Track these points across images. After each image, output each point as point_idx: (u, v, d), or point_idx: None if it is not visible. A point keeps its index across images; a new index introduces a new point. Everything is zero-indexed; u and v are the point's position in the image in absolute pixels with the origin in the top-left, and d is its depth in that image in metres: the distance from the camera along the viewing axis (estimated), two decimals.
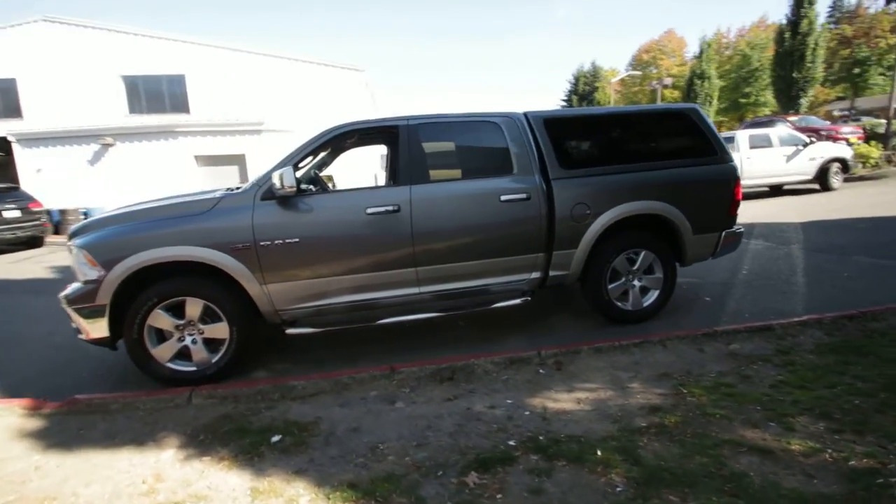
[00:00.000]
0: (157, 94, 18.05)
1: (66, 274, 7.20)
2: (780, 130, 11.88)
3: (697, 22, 67.60)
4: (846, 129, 15.60)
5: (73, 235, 3.22)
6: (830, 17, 31.57)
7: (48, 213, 12.89)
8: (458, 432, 2.25)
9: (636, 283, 3.75)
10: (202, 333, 3.08)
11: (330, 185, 4.31)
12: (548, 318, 4.11)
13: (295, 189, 2.97)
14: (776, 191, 11.80)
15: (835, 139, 13.75)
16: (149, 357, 3.01)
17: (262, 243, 3.03)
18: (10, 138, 14.87)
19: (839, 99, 36.05)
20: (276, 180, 2.96)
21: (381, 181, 20.00)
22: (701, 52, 28.59)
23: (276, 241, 3.05)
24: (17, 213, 10.89)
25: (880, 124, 17.18)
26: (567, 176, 3.49)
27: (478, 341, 3.60)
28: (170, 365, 3.05)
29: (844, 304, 3.79)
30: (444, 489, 1.81)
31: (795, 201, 10.45)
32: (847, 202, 9.51)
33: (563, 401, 2.49)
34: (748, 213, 8.32)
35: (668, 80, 29.43)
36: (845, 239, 6.37)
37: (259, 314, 3.20)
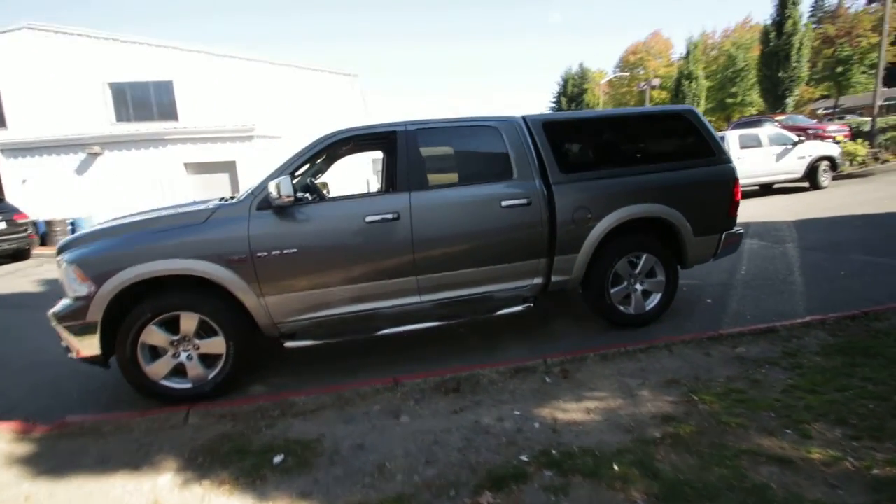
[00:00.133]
0: (144, 102, 17.81)
1: (54, 287, 7.04)
2: (770, 130, 12.00)
3: (683, 23, 68.42)
4: (833, 128, 15.84)
5: (61, 250, 3.11)
6: (812, 16, 32.14)
7: (34, 224, 12.62)
8: (468, 447, 2.18)
9: (638, 286, 3.72)
10: (198, 349, 2.98)
11: (325, 192, 4.22)
12: (548, 323, 4.06)
13: (292, 198, 2.89)
14: (766, 190, 11.90)
15: (822, 138, 13.94)
16: (143, 375, 2.91)
17: (258, 254, 2.95)
18: None
19: (823, 98, 36.63)
20: (272, 189, 2.89)
21: (374, 186, 20.00)
22: (688, 53, 28.95)
23: (274, 252, 2.97)
24: (2, 225, 10.64)
25: (865, 122, 17.44)
26: (567, 180, 3.45)
27: (480, 350, 3.54)
28: (165, 383, 2.95)
29: (844, 304, 3.79)
30: None
31: (786, 200, 10.54)
32: (837, 200, 9.60)
33: (572, 411, 2.44)
34: (741, 212, 8.32)
35: (657, 81, 29.74)
36: (839, 237, 6.41)
37: (256, 327, 3.12)
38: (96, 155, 14.47)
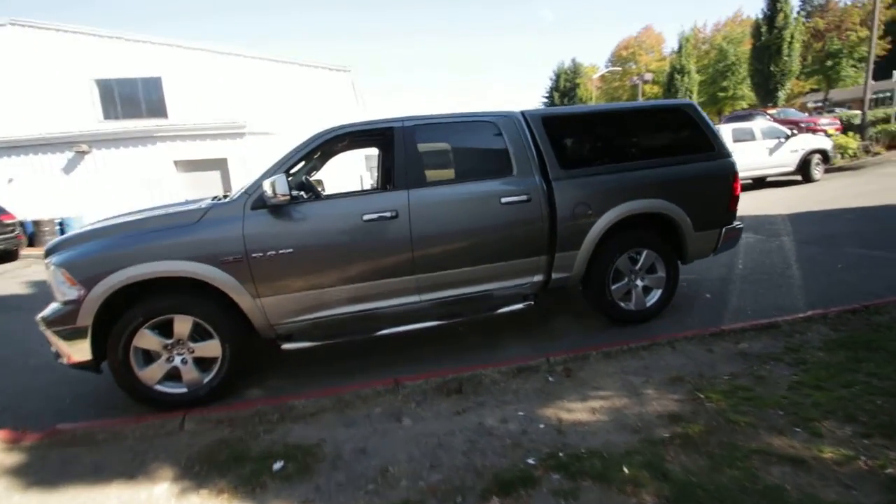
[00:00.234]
0: (132, 98, 17.50)
1: (43, 289, 6.89)
2: (762, 123, 12.04)
3: (674, 18, 68.63)
4: (824, 121, 15.94)
5: (49, 252, 3.02)
6: (801, 10, 32.31)
7: (22, 224, 12.39)
8: (472, 450, 2.14)
9: (639, 282, 3.69)
10: (192, 352, 2.91)
11: (320, 189, 4.15)
12: (548, 321, 4.02)
13: (288, 197, 2.82)
14: (759, 183, 11.96)
15: (814, 131, 14.02)
16: (136, 380, 2.83)
17: (254, 255, 2.88)
18: None
19: (812, 91, 36.90)
20: (267, 188, 2.81)
21: (367, 183, 19.83)
22: (680, 48, 28.99)
23: (269, 253, 2.90)
24: None
25: (856, 115, 17.59)
26: (567, 176, 3.40)
27: (480, 349, 3.50)
28: (159, 387, 2.88)
29: (843, 297, 3.79)
30: None
31: (780, 193, 10.59)
32: (830, 193, 9.66)
33: (577, 410, 2.40)
34: None
35: (649, 76, 29.84)
36: (834, 230, 6.44)
37: (252, 329, 3.05)
38: (84, 153, 14.21)
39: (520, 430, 2.26)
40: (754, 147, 11.22)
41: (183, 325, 2.85)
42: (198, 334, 2.91)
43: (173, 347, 2.89)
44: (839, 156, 13.46)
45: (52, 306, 2.85)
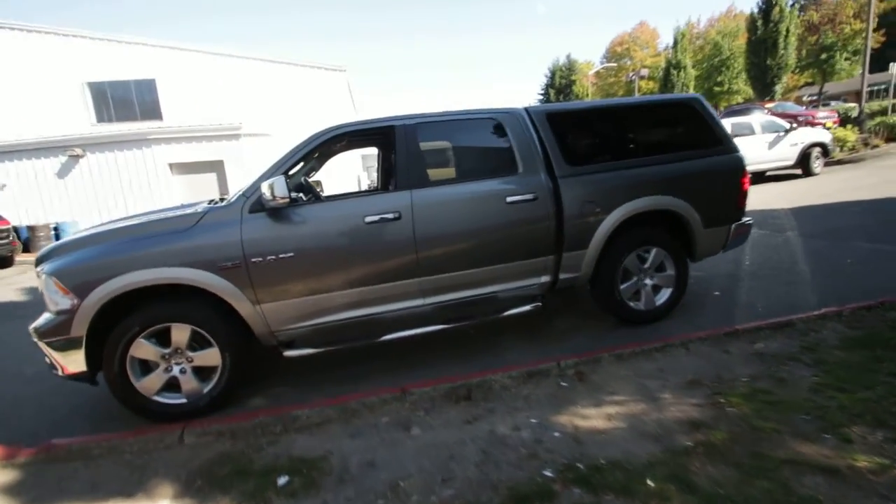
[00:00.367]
0: (126, 101, 17.35)
1: (38, 296, 6.77)
2: (761, 118, 11.97)
3: (668, 13, 68.57)
4: (822, 114, 15.92)
5: (40, 260, 2.91)
6: (795, 3, 32.32)
7: (16, 230, 12.23)
8: (486, 461, 2.05)
9: (648, 281, 3.61)
10: (191, 362, 2.81)
11: (319, 191, 4.05)
12: (553, 321, 3.93)
13: (288, 200, 2.72)
14: (759, 177, 11.90)
15: (812, 124, 13.98)
16: (133, 391, 2.73)
17: (253, 260, 2.78)
18: None
19: (807, 85, 36.96)
20: (265, 191, 2.71)
21: (364, 183, 19.73)
22: (675, 43, 28.94)
23: (269, 257, 2.80)
24: None
25: (853, 108, 17.56)
26: (574, 173, 3.31)
27: (487, 353, 3.41)
28: (157, 398, 2.78)
29: (855, 293, 3.72)
30: None
31: (780, 187, 10.53)
32: (831, 187, 9.60)
33: (592, 417, 2.32)
34: None
35: (645, 72, 29.75)
36: (838, 224, 6.37)
37: (252, 337, 2.95)
38: (78, 157, 14.04)
39: (534, 439, 2.18)
40: (753, 141, 11.15)
41: (181, 333, 2.75)
42: (196, 343, 2.81)
43: (171, 357, 2.79)
44: (838, 149, 13.41)
45: (45, 316, 2.75)
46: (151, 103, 17.30)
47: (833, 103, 28.15)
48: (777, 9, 21.63)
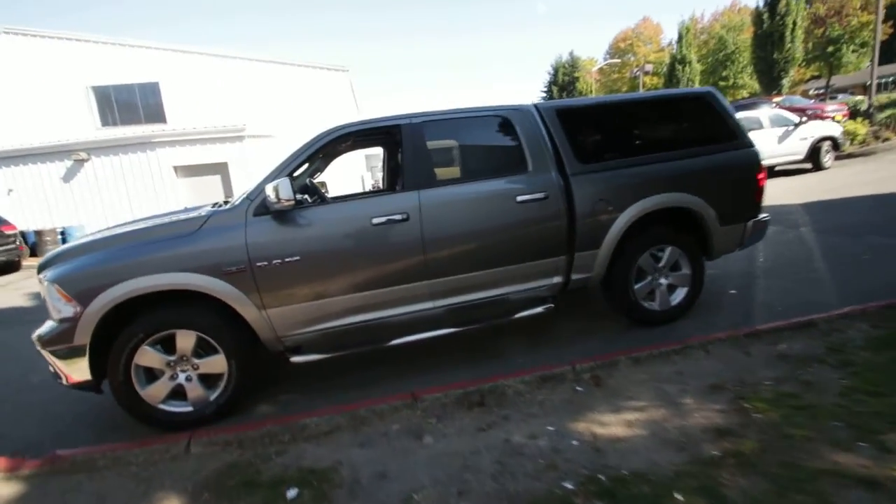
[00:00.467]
0: (130, 104, 17.38)
1: (45, 302, 6.74)
2: (770, 112, 11.80)
3: (671, 8, 68.03)
4: (831, 107, 15.70)
5: (43, 267, 2.86)
6: None
7: (23, 235, 12.27)
8: (502, 472, 1.97)
9: (663, 281, 3.51)
10: (197, 369, 2.75)
11: (325, 192, 3.98)
12: (565, 324, 3.83)
13: (293, 202, 2.65)
14: (768, 172, 11.67)
15: (821, 118, 13.77)
16: (138, 400, 2.67)
17: (258, 264, 2.71)
18: None
19: (814, 78, 36.52)
20: (270, 193, 2.64)
21: (368, 183, 19.64)
22: (680, 38, 28.66)
23: (275, 261, 2.73)
24: None
25: (862, 101, 17.30)
26: (585, 171, 3.22)
27: (498, 356, 3.32)
28: (163, 407, 2.72)
29: (876, 290, 3.61)
30: None
31: (791, 182, 10.37)
32: (842, 181, 9.44)
33: (611, 424, 2.23)
34: None
35: (649, 67, 29.50)
36: (852, 219, 6.24)
37: (259, 342, 2.89)
38: (83, 161, 14.07)
39: (552, 448, 2.09)
40: (762, 136, 10.97)
41: (186, 340, 2.69)
42: (202, 349, 2.75)
43: (177, 364, 2.73)
44: (848, 142, 13.20)
45: (48, 324, 2.69)
46: (155, 106, 17.32)
47: (840, 96, 27.80)
48: (784, 1, 21.35)
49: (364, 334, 3.01)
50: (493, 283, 3.12)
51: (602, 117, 3.49)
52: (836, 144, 11.54)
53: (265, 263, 2.72)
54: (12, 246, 10.94)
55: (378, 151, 4.70)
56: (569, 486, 1.81)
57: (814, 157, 11.27)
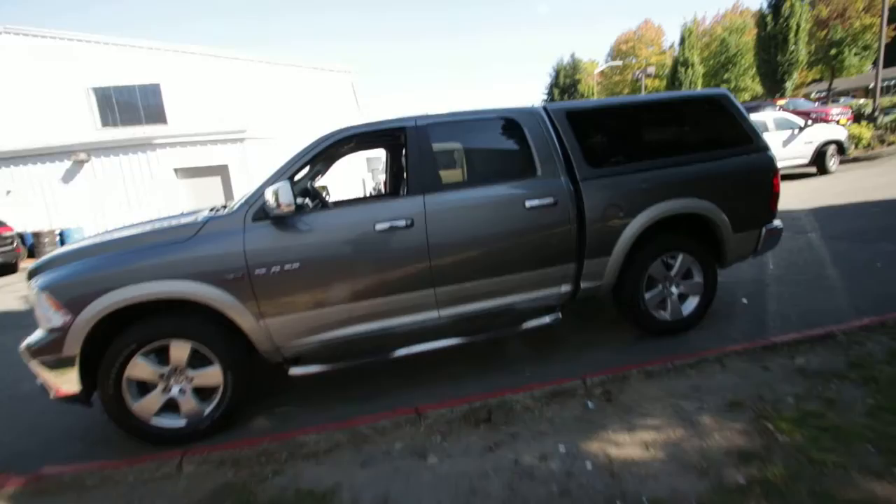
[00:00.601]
0: (130, 106, 17.31)
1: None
2: (775, 114, 11.69)
3: (673, 11, 68.06)
4: (836, 111, 15.57)
5: (32, 274, 2.76)
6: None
7: (21, 237, 12.18)
8: (513, 499, 1.85)
9: (674, 289, 3.40)
10: (191, 381, 2.64)
11: (326, 196, 3.87)
12: (573, 334, 3.71)
13: (293, 207, 2.54)
14: None
15: (825, 121, 13.66)
16: (129, 414, 2.56)
17: (257, 272, 2.60)
18: None
19: (815, 81, 36.42)
20: (269, 198, 2.53)
21: (369, 186, 19.53)
22: (682, 40, 28.57)
23: (274, 269, 2.62)
24: None
25: (867, 104, 17.20)
26: (596, 175, 3.11)
27: (504, 368, 3.20)
28: (155, 421, 2.61)
29: (891, 299, 3.50)
30: None
31: (796, 186, 10.25)
32: (848, 185, 9.32)
33: (626, 445, 2.11)
34: None
35: (651, 69, 29.41)
36: (861, 224, 6.12)
37: (256, 353, 2.77)
38: (83, 162, 13.98)
39: (564, 471, 1.98)
40: (767, 139, 10.79)
41: (180, 351, 2.58)
42: (197, 360, 2.64)
43: (170, 376, 2.62)
44: (853, 146, 13.09)
45: (37, 333, 2.58)
46: (156, 107, 17.25)
47: (842, 99, 27.69)
48: (787, 4, 21.26)
49: (366, 345, 2.90)
50: (499, 291, 3.01)
51: (613, 119, 3.38)
52: (841, 148, 11.42)
53: (264, 271, 2.61)
54: (9, 248, 10.86)
55: (379, 153, 4.60)
56: None
57: (819, 161, 11.16)
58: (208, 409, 2.65)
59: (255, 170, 14.05)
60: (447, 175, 3.06)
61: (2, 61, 15.95)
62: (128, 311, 2.53)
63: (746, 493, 1.69)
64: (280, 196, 2.51)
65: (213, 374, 2.63)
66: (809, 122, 11.45)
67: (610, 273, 3.20)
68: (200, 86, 17.03)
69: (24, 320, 6.07)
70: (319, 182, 4.39)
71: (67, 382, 2.53)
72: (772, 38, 21.80)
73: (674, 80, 28.38)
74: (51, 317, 2.49)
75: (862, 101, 19.93)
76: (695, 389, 2.53)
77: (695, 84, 27.84)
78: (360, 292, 2.77)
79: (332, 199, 4.19)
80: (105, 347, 2.52)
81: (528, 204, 2.96)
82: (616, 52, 44.99)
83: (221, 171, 14.59)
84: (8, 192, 13.90)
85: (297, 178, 2.99)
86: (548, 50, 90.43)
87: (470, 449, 2.23)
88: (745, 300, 4.02)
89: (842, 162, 11.93)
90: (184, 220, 2.89)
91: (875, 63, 16.89)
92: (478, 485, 1.96)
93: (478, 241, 2.90)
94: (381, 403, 2.83)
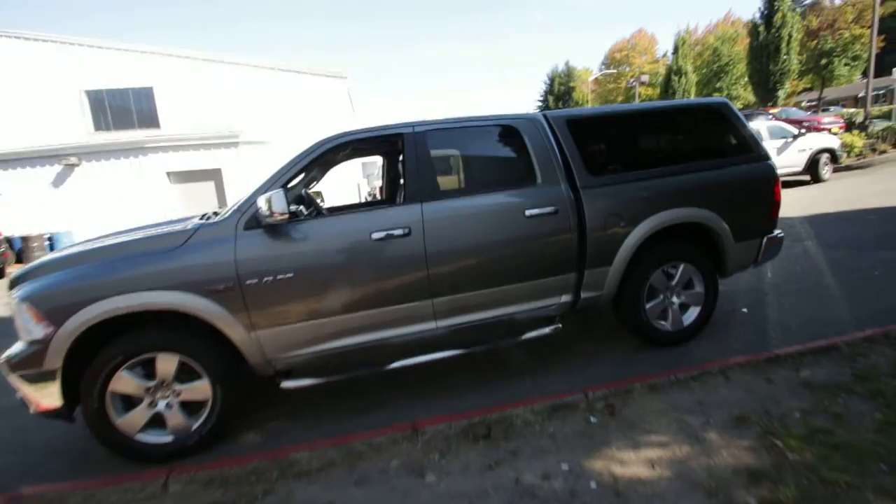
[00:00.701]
0: (123, 109, 17.16)
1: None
2: (769, 123, 11.78)
3: (666, 20, 68.94)
4: (827, 119, 15.74)
5: (14, 283, 2.65)
6: (793, 9, 32.32)
7: (9, 241, 11.98)
8: None
9: (675, 299, 3.35)
10: (178, 395, 2.54)
11: (321, 202, 3.80)
12: (572, 344, 3.63)
13: (287, 216, 2.46)
14: None
15: (817, 130, 13.79)
16: (113, 429, 2.46)
17: (248, 282, 2.51)
18: None
19: (805, 90, 36.90)
20: (262, 206, 2.45)
21: (364, 191, 19.40)
22: (676, 49, 28.83)
23: (266, 279, 2.53)
24: None
25: (859, 113, 17.41)
26: (597, 184, 3.06)
27: (503, 380, 3.12)
28: (140, 437, 2.50)
29: (892, 309, 3.48)
30: None
31: (790, 194, 10.28)
32: (842, 194, 9.38)
33: (631, 463, 2.04)
34: None
35: (645, 78, 29.65)
36: (857, 232, 6.13)
37: (246, 365, 2.68)
38: (74, 166, 13.80)
39: (568, 491, 1.90)
40: None
41: (167, 364, 2.48)
42: (184, 374, 2.54)
43: (157, 390, 2.52)
44: (845, 154, 13.21)
45: (17, 346, 2.47)
46: (149, 111, 17.10)
47: (832, 108, 28.05)
48: (779, 14, 21.55)
49: (361, 357, 2.82)
50: (499, 301, 2.94)
51: (614, 127, 3.34)
52: (834, 157, 11.52)
53: (255, 281, 2.53)
54: None
55: (375, 158, 4.53)
56: None
57: (812, 169, 11.24)
58: (196, 425, 2.55)
59: (249, 174, 13.93)
60: (445, 183, 3.00)
61: None
62: (113, 322, 2.43)
63: None
64: (273, 204, 2.43)
65: (201, 388, 2.54)
66: (803, 130, 11.54)
67: (611, 283, 3.14)
68: (194, 90, 16.92)
69: (9, 328, 5.92)
70: (314, 188, 4.32)
71: (48, 397, 2.42)
72: (764, 48, 22.07)
73: (667, 88, 28.61)
74: (31, 329, 2.39)
75: (852, 110, 20.19)
76: (699, 403, 2.46)
77: (688, 92, 28.08)
78: (355, 303, 2.69)
79: (326, 204, 4.12)
80: (89, 360, 2.42)
81: (528, 212, 2.90)
82: (610, 61, 45.39)
83: (215, 175, 14.46)
84: None
85: (291, 185, 2.92)
86: (543, 57, 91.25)
87: (469, 467, 2.15)
88: (745, 310, 3.98)
89: (835, 170, 12.02)
90: (173, 228, 2.80)
91: (865, 73, 17.12)
92: None
93: (477, 250, 2.84)
94: (377, 417, 2.74)
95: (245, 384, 2.74)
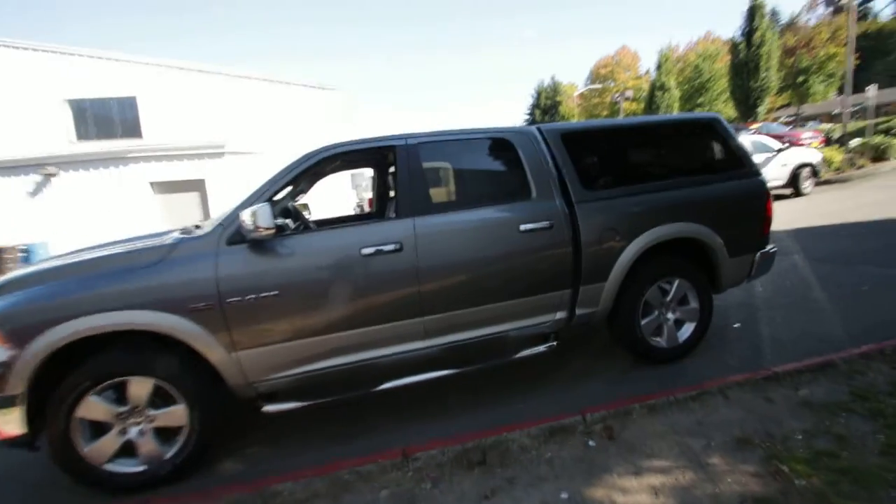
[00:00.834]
0: (106, 119, 16.84)
1: None
2: (753, 138, 12.02)
3: (648, 38, 70.72)
4: (807, 135, 16.16)
5: None
6: (771, 28, 33.39)
7: None
8: None
9: (670, 315, 3.29)
10: (152, 422, 2.38)
11: (307, 215, 3.68)
12: (565, 362, 3.52)
13: (272, 231, 2.35)
14: None
15: (797, 144, 14.12)
16: (79, 459, 2.28)
17: (229, 300, 2.38)
18: None
19: (783, 106, 38.01)
20: (247, 220, 2.33)
21: (353, 202, 19.26)
22: (659, 65, 29.51)
23: (249, 297, 2.41)
24: None
25: (836, 129, 17.90)
26: (592, 198, 3.01)
27: (496, 401, 3.00)
28: (109, 467, 2.33)
29: (883, 325, 3.48)
30: None
31: (775, 207, 10.44)
32: (825, 207, 9.54)
33: (633, 491, 1.95)
34: None
35: (630, 93, 30.21)
36: (842, 246, 6.20)
37: (227, 388, 2.53)
38: (51, 176, 13.42)
39: None
40: None
41: (140, 388, 2.33)
42: (159, 398, 2.38)
43: (128, 416, 2.36)
44: (824, 169, 13.51)
45: None
46: (132, 121, 16.81)
47: (810, 123, 28.91)
48: (759, 33, 22.24)
49: (349, 378, 2.69)
50: (492, 319, 2.85)
51: (608, 141, 3.30)
52: (814, 171, 11.76)
53: (238, 299, 2.40)
54: None
55: (364, 170, 4.44)
56: None
57: (793, 183, 11.46)
58: (170, 453, 2.39)
59: (234, 185, 13.70)
60: (438, 196, 2.92)
61: None
62: (82, 343, 2.27)
63: None
64: (258, 218, 2.31)
65: (177, 414, 2.38)
66: (786, 144, 11.79)
67: (606, 299, 3.07)
68: (179, 100, 16.70)
69: None
70: (301, 200, 4.20)
71: (10, 423, 2.24)
72: (744, 65, 22.73)
73: (651, 103, 29.21)
74: None
75: (829, 125, 20.80)
76: (699, 424, 2.39)
77: (671, 107, 28.70)
78: (343, 321, 2.57)
79: (313, 217, 4.00)
80: (55, 384, 2.25)
81: (522, 227, 2.82)
82: (595, 76, 46.29)
83: (199, 185, 14.19)
84: None
85: (277, 198, 2.80)
86: (530, 71, 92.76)
87: (464, 497, 2.03)
88: (737, 325, 3.95)
89: (816, 184, 12.28)
90: (152, 242, 2.66)
91: (841, 90, 17.66)
92: None
93: (470, 266, 2.75)
94: (366, 442, 2.61)
95: (224, 409, 2.57)
